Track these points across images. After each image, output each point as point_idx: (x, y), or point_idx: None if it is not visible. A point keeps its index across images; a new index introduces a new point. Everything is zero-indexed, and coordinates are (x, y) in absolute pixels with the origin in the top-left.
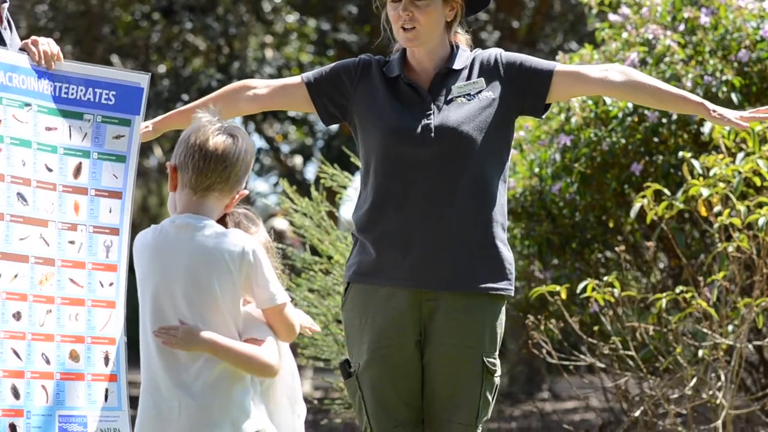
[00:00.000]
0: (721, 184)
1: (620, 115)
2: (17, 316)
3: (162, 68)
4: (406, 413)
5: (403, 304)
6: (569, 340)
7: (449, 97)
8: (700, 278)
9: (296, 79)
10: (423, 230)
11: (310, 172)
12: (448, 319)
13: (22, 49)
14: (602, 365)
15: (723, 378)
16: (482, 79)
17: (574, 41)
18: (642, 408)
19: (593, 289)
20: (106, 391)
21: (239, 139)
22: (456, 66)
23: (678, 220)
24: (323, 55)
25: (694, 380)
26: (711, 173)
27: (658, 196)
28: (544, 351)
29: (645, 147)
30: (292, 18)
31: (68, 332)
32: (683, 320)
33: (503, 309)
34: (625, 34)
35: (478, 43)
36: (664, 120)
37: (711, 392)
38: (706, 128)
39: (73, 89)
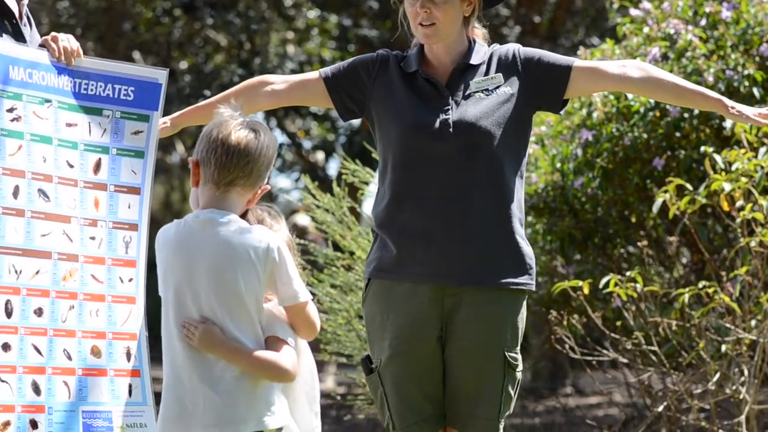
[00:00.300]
0: (744, 179)
1: (642, 110)
2: (39, 312)
3: (183, 64)
4: (428, 408)
5: (425, 300)
6: (592, 336)
7: (467, 92)
8: (723, 273)
9: (314, 75)
10: (443, 225)
11: (332, 168)
12: (469, 314)
13: (42, 46)
14: (625, 360)
15: (746, 373)
16: (500, 74)
17: (595, 36)
18: (665, 403)
19: (616, 285)
20: (130, 386)
21: (261, 133)
22: (474, 61)
23: (700, 214)
24: (344, 51)
25: (717, 375)
26: (733, 168)
27: (680, 191)
28: (567, 346)
29: (667, 142)
30: (313, 14)
31: (89, 328)
32: (706, 315)
33: (524, 303)
34: (646, 29)
35: (499, 38)
36: (686, 115)
37: (734, 387)
38: (728, 123)
39: (92, 85)
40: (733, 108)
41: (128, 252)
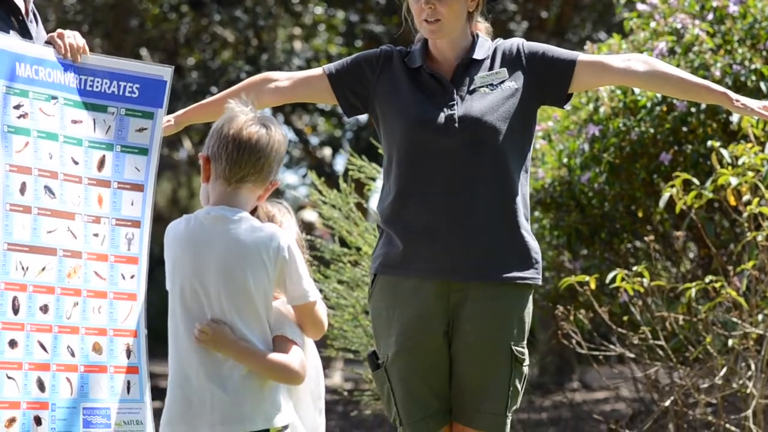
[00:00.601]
0: (750, 173)
1: (649, 104)
2: (44, 309)
3: (190, 61)
4: (434, 404)
5: (431, 295)
6: (599, 331)
7: (472, 87)
8: (730, 267)
9: (318, 71)
10: (448, 222)
11: (339, 164)
12: (476, 308)
13: (48, 42)
14: (632, 355)
15: (753, 367)
16: (505, 69)
17: (602, 31)
18: (672, 398)
19: (623, 279)
20: (129, 383)
21: (272, 129)
22: (478, 56)
23: (707, 209)
24: (352, 47)
25: (724, 370)
26: (740, 162)
27: (687, 186)
28: (573, 341)
29: (674, 136)
30: (320, 9)
31: (92, 325)
32: (713, 310)
33: (531, 298)
34: (653, 24)
35: (506, 33)
36: (692, 109)
37: (741, 382)
38: (735, 117)
39: (98, 82)
40: (738, 101)
41: (130, 249)
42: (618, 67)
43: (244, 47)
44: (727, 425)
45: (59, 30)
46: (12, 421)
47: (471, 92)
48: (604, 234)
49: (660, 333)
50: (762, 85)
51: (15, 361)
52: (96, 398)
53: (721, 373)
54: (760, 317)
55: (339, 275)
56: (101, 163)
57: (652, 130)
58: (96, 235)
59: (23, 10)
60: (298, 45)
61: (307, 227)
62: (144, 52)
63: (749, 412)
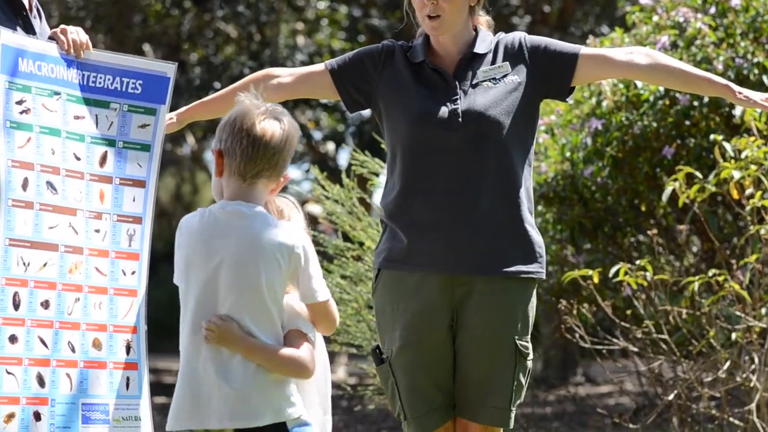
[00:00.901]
0: (753, 167)
1: (651, 98)
2: (45, 304)
3: (193, 56)
4: (439, 398)
5: (435, 290)
6: (602, 325)
7: (475, 81)
8: (733, 261)
9: (320, 67)
10: (453, 215)
11: (342, 159)
12: (480, 303)
13: (51, 38)
14: (636, 349)
15: (756, 361)
16: (507, 63)
17: (605, 25)
18: (676, 391)
19: (626, 273)
20: (128, 379)
21: (285, 122)
22: (480, 50)
23: (710, 203)
24: (354, 41)
25: (728, 363)
26: (743, 156)
27: (690, 180)
28: (577, 335)
29: (677, 130)
30: (323, 4)
31: (93, 320)
32: (716, 303)
33: (534, 292)
34: (655, 18)
35: (509, 27)
36: (695, 103)
37: (745, 375)
38: (737, 111)
39: (101, 78)
40: (740, 93)
41: (132, 245)
42: (620, 60)
43: (247, 43)
44: (731, 419)
45: (62, 26)
46: (11, 416)
47: (474, 86)
48: (607, 228)
49: (663, 327)
50: (765, 78)
51: (15, 357)
52: (95, 394)
53: (725, 367)
54: (763, 311)
55: (342, 270)
56: (103, 159)
57: (654, 124)
58: (97, 231)
59: (27, 6)
60: (300, 40)
61: (311, 221)
62: (147, 47)
63: (753, 406)
